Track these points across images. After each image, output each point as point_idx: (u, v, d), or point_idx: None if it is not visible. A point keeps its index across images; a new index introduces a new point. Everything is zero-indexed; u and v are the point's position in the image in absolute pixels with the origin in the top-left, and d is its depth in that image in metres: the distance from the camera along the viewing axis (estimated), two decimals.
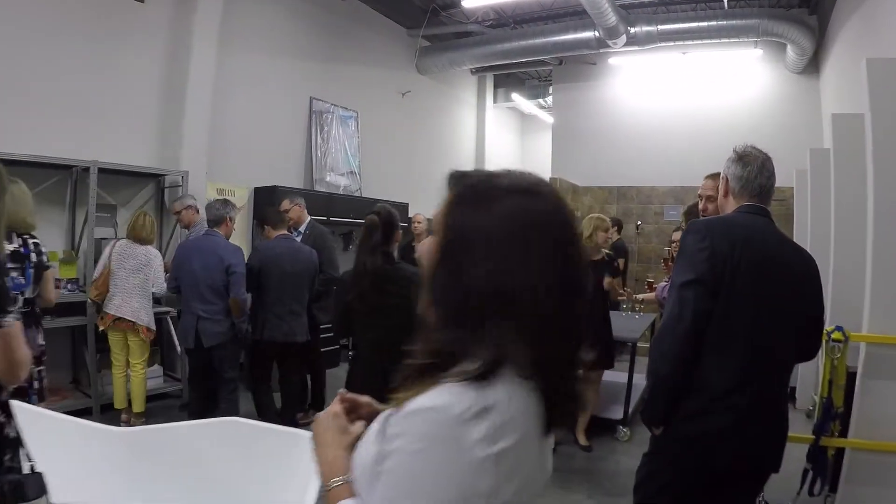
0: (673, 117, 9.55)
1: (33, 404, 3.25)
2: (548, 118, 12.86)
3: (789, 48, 8.11)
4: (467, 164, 11.78)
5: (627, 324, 5.25)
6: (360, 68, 8.64)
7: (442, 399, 0.80)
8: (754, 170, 2.05)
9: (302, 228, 5.22)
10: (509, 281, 0.85)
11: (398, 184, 9.25)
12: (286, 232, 4.62)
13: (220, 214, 4.34)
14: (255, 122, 7.02)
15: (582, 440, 4.53)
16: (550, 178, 9.02)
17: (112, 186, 5.53)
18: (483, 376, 0.81)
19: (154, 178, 6.04)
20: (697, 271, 1.89)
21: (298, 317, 4.46)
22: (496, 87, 12.51)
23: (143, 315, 4.70)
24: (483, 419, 0.79)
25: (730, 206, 2.11)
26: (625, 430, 4.72)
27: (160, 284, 4.67)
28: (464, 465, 0.78)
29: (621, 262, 7.70)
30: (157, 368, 5.56)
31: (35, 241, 3.26)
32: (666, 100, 9.68)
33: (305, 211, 5.34)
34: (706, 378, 1.89)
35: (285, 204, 5.23)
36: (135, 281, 4.67)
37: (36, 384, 3.36)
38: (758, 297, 1.88)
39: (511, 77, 12.57)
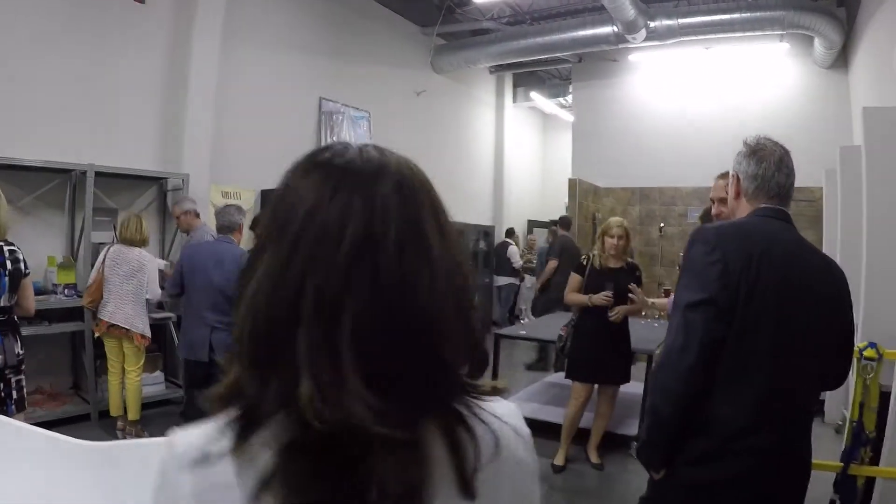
0: (696, 115, 9.23)
1: (10, 414, 3.15)
2: (570, 118, 12.57)
3: (817, 41, 7.75)
4: (486, 165, 11.56)
5: (645, 333, 4.98)
6: (372, 67, 8.47)
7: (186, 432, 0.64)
8: (771, 166, 1.74)
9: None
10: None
11: None
12: None
13: (234, 221, 4.13)
14: (262, 122, 6.88)
15: (593, 457, 4.28)
16: (570, 180, 8.78)
17: (113, 190, 5.44)
18: (247, 413, 0.60)
19: (156, 182, 5.92)
20: (707, 290, 1.57)
21: None
22: (515, 85, 12.25)
23: (138, 322, 4.54)
24: (201, 469, 0.60)
25: (742, 209, 1.79)
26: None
27: (154, 290, 4.50)
28: None
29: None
30: (158, 375, 5.43)
31: (11, 247, 3.11)
32: (689, 97, 9.36)
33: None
34: (718, 413, 1.59)
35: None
36: (128, 287, 4.51)
37: (15, 394, 3.24)
38: (779, 319, 1.57)
39: (531, 76, 12.30)
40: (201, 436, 0.61)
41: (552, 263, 7.41)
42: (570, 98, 11.73)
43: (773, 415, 1.58)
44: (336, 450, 0.56)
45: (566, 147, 13.15)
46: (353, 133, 7.93)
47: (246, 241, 4.52)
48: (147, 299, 4.55)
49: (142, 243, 4.63)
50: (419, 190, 0.66)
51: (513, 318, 10.44)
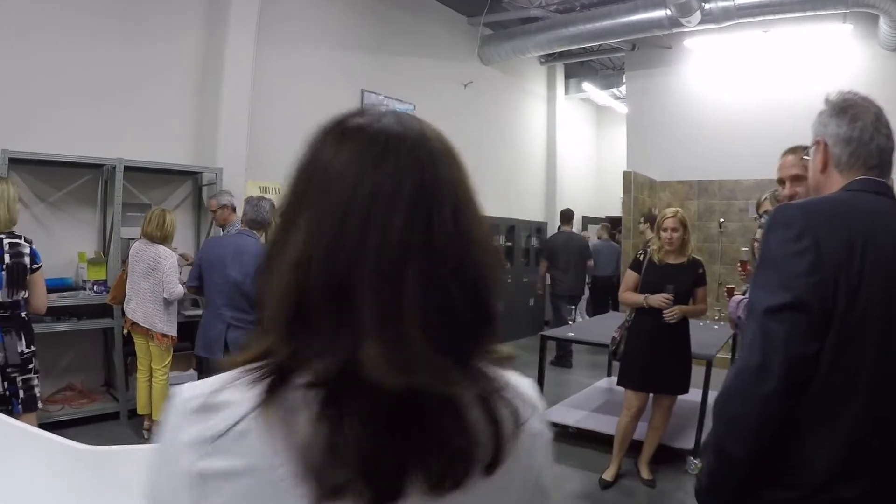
0: (756, 104, 8.60)
1: (15, 415, 2.99)
2: (624, 110, 12.05)
3: (882, 21, 7.07)
4: (537, 160, 11.16)
5: (702, 336, 4.54)
6: (417, 59, 8.20)
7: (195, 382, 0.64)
8: (868, 127, 1.33)
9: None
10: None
11: None
12: None
13: (265, 217, 3.86)
14: (300, 115, 6.67)
15: (645, 473, 3.88)
16: (625, 172, 8.34)
17: (146, 185, 5.36)
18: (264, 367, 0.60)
19: (191, 176, 5.80)
20: (793, 290, 1.16)
21: None
22: (567, 77, 11.80)
23: (157, 321, 4.38)
24: (201, 418, 0.59)
25: (832, 184, 1.37)
26: (696, 461, 4.02)
27: (170, 289, 4.29)
28: (165, 473, 0.61)
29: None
30: (191, 373, 5.28)
31: (14, 240, 2.95)
32: (748, 85, 8.75)
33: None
34: (803, 455, 1.19)
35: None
36: (145, 285, 4.35)
37: (22, 393, 3.08)
38: (890, 328, 1.17)
39: (583, 66, 11.84)
40: (212, 384, 0.61)
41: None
42: (623, 89, 11.23)
43: (869, 456, 1.18)
44: (399, 411, 0.56)
45: (621, 141, 12.66)
46: None
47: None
48: (165, 298, 4.35)
49: (163, 240, 4.46)
50: (456, 154, 0.68)
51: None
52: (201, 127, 5.86)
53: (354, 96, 7.29)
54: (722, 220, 8.69)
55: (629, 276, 3.83)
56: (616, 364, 3.98)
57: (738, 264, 3.47)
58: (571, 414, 4.72)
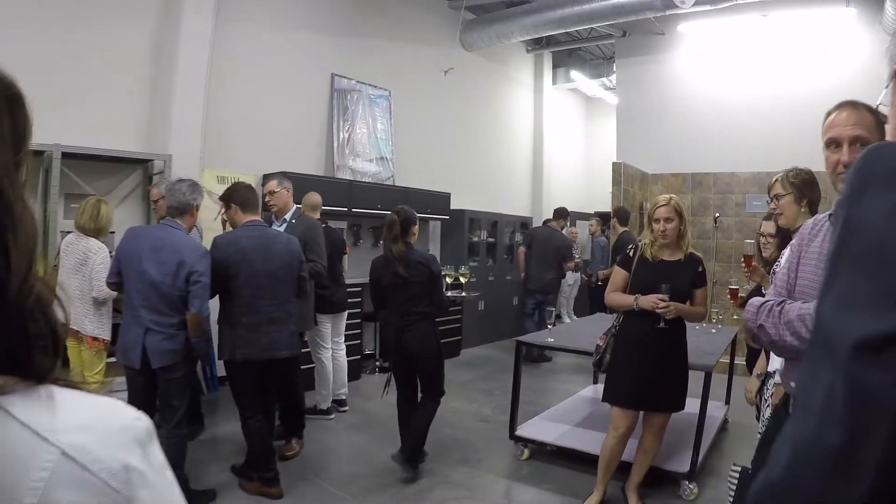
0: (754, 93, 8.17)
1: None
2: (614, 101, 11.58)
3: (888, 4, 6.61)
4: (523, 152, 10.67)
5: (699, 342, 4.06)
6: (393, 42, 7.69)
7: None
8: None
9: (288, 217, 4.34)
10: None
11: (438, 172, 8.25)
12: (257, 218, 3.65)
13: (184, 201, 3.31)
14: (264, 101, 6.19)
15: (633, 500, 3.38)
16: (614, 164, 7.86)
17: (92, 174, 4.95)
18: None
19: (140, 165, 5.28)
20: None
21: (281, 325, 3.53)
22: (555, 66, 11.32)
23: (87, 323, 3.87)
24: None
25: None
26: (691, 486, 3.55)
27: (100, 288, 3.78)
28: None
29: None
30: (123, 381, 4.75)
31: None
32: (745, 72, 8.29)
33: (292, 198, 4.45)
34: None
35: (272, 185, 4.35)
36: (74, 282, 3.85)
37: None
38: None
39: (571, 56, 11.37)
40: None
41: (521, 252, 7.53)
42: (614, 78, 10.76)
43: None
44: None
45: (611, 133, 12.19)
46: (371, 113, 7.17)
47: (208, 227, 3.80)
48: (94, 297, 3.84)
49: (97, 232, 3.95)
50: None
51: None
52: (153, 112, 5.38)
53: (324, 81, 6.78)
54: (717, 214, 8.23)
55: (617, 275, 3.32)
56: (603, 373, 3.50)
57: (742, 259, 2.98)
58: (550, 429, 4.23)
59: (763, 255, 3.22)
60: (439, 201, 7.61)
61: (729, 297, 3.33)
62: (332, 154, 6.67)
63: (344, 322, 5.12)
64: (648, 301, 3.07)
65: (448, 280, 5.15)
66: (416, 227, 3.90)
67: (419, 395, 3.88)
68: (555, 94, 11.39)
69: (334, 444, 4.43)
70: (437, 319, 3.89)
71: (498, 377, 6.50)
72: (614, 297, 3.28)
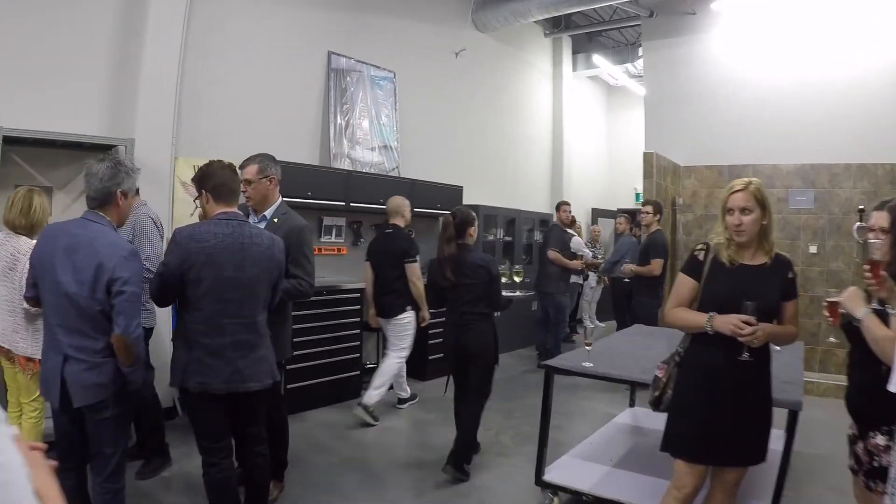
0: (800, 76, 7.32)
1: None
2: (638, 89, 10.76)
3: None
4: (542, 144, 9.87)
5: (777, 369, 3.24)
6: (400, 19, 6.92)
7: None
8: None
9: (269, 213, 3.42)
10: None
11: (449, 164, 7.47)
12: (234, 210, 2.80)
13: (102, 188, 2.51)
14: (249, 80, 5.45)
15: None
16: (645, 154, 7.07)
17: (50, 163, 4.31)
18: None
19: (103, 151, 4.54)
20: None
21: (250, 350, 2.73)
22: (575, 52, 10.49)
23: (19, 340, 3.15)
24: None
25: None
26: None
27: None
28: None
29: (657, 263, 5.85)
30: None
31: None
32: (789, 54, 7.45)
33: (278, 188, 3.55)
34: None
35: (250, 172, 3.31)
36: (3, 290, 3.12)
37: None
38: None
39: (592, 42, 10.56)
40: None
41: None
42: (639, 64, 9.94)
43: None
44: None
45: (633, 126, 11.43)
46: (373, 97, 6.40)
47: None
48: (25, 309, 3.09)
49: (29, 230, 3.22)
50: None
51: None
52: (118, 93, 4.67)
53: (319, 60, 6.03)
54: None
55: (682, 285, 2.51)
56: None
57: (866, 266, 2.15)
58: (585, 472, 3.40)
59: (874, 255, 2.36)
60: (450, 195, 6.83)
61: (828, 314, 2.51)
62: (329, 141, 5.91)
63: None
64: (727, 324, 2.26)
65: (503, 279, 4.78)
66: (475, 227, 3.95)
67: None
68: (575, 83, 10.57)
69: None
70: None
71: (518, 393, 5.73)
72: (678, 314, 2.47)
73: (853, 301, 2.18)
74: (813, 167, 7.20)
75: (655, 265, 5.87)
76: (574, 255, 6.91)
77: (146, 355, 3.01)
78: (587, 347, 3.37)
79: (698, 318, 2.36)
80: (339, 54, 6.11)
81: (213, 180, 2.75)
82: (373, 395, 4.80)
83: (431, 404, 5.29)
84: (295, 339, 4.80)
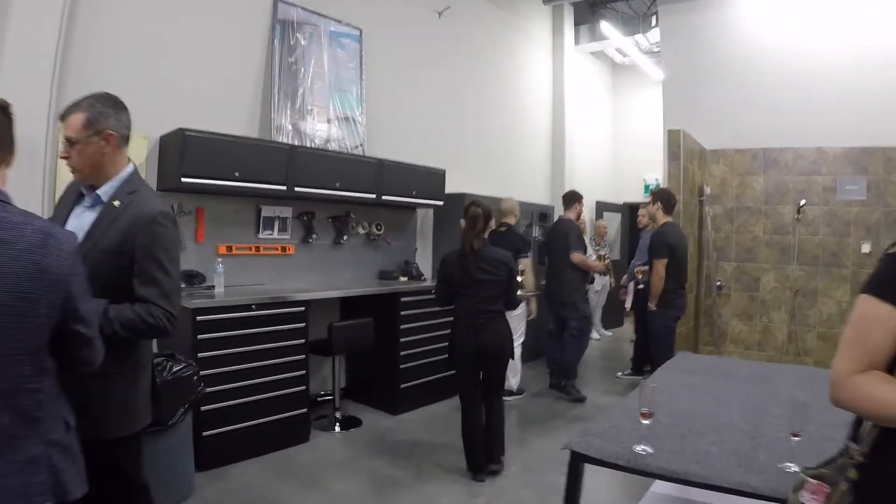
0: (849, 46, 6.20)
1: None
2: (649, 67, 9.50)
3: None
4: (540, 127, 8.59)
5: None
6: None
7: None
8: None
9: (109, 189, 1.95)
10: None
11: (428, 143, 6.18)
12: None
13: None
14: (166, 31, 4.15)
15: None
16: (670, 132, 5.82)
17: None
18: None
19: None
20: None
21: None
22: (577, 23, 9.21)
23: None
24: None
25: None
26: None
27: None
28: None
29: (657, 265, 4.89)
30: None
31: None
32: (834, 18, 6.32)
33: (124, 150, 2.15)
34: None
35: (75, 123, 1.78)
36: None
37: None
38: None
39: (595, 14, 9.28)
40: None
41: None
42: (651, 36, 8.67)
43: None
44: None
45: (643, 108, 10.22)
46: (331, 57, 5.10)
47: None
48: None
49: None
50: None
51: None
52: None
53: (263, 8, 4.72)
54: (804, 202, 6.17)
55: (873, 322, 1.17)
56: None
57: None
58: None
59: None
60: (430, 181, 5.54)
61: None
62: (270, 109, 4.60)
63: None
64: None
65: None
66: (493, 220, 3.91)
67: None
68: (577, 57, 9.29)
69: None
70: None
71: (530, 431, 4.50)
72: (875, 389, 1.15)
73: None
74: (865, 151, 6.03)
75: (656, 267, 4.87)
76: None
77: None
78: (644, 420, 1.99)
79: None
80: (287, 2, 4.81)
81: None
82: (512, 381, 5.17)
83: (400, 450, 4.02)
84: (212, 371, 3.56)
